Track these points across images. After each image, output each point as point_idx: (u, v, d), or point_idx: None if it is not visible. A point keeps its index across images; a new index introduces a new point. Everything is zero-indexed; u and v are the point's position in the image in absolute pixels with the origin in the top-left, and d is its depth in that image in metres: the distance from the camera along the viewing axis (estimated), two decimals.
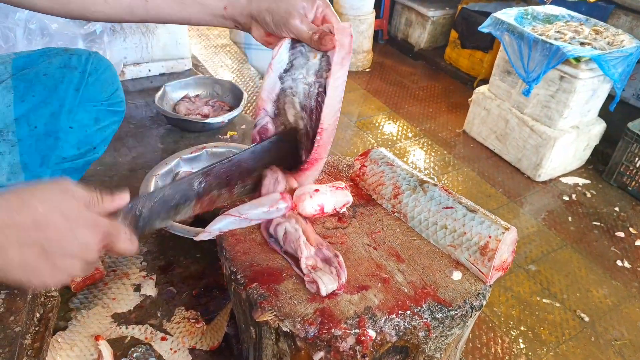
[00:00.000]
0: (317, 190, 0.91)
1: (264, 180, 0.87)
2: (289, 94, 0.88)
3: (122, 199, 0.65)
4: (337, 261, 0.81)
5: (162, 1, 0.77)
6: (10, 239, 0.54)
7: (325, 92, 0.83)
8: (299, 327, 0.73)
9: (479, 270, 0.84)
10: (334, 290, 0.78)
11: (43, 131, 0.93)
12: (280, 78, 0.88)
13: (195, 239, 0.84)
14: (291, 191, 0.90)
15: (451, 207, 0.90)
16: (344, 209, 0.97)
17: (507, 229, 0.84)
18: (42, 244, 0.55)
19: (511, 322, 1.93)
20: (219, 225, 0.85)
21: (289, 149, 0.87)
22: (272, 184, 0.86)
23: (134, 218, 0.67)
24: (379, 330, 0.75)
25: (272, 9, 0.80)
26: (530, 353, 1.82)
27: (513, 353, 1.81)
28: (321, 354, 0.76)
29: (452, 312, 0.78)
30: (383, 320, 0.75)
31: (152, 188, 1.47)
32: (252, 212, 0.86)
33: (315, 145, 0.84)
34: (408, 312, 0.77)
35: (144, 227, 0.69)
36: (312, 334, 0.73)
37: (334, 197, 0.93)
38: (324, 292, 0.77)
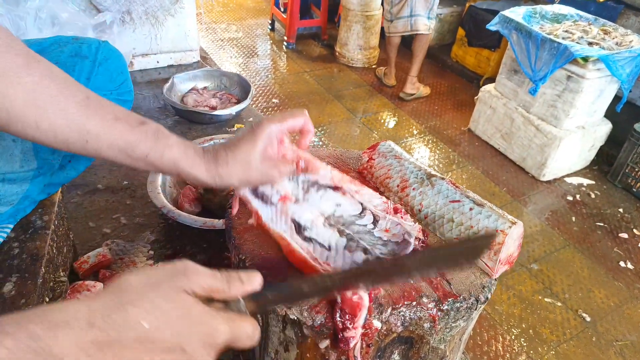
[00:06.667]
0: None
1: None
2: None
3: (254, 283, 0.57)
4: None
5: (108, 149, 0.72)
6: None
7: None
8: (306, 315, 0.74)
9: (485, 263, 0.85)
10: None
11: None
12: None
13: None
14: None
15: (458, 201, 0.91)
16: None
17: (514, 223, 0.85)
18: None
19: (512, 321, 1.94)
20: None
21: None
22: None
23: (261, 303, 0.57)
24: (384, 320, 0.75)
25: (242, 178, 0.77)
26: (531, 351, 1.83)
27: (514, 351, 1.82)
28: (327, 342, 0.77)
29: (458, 304, 0.79)
30: (389, 310, 0.76)
31: (159, 180, 1.48)
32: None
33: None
34: (414, 303, 0.77)
35: (265, 309, 0.59)
36: (319, 322, 0.74)
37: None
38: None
